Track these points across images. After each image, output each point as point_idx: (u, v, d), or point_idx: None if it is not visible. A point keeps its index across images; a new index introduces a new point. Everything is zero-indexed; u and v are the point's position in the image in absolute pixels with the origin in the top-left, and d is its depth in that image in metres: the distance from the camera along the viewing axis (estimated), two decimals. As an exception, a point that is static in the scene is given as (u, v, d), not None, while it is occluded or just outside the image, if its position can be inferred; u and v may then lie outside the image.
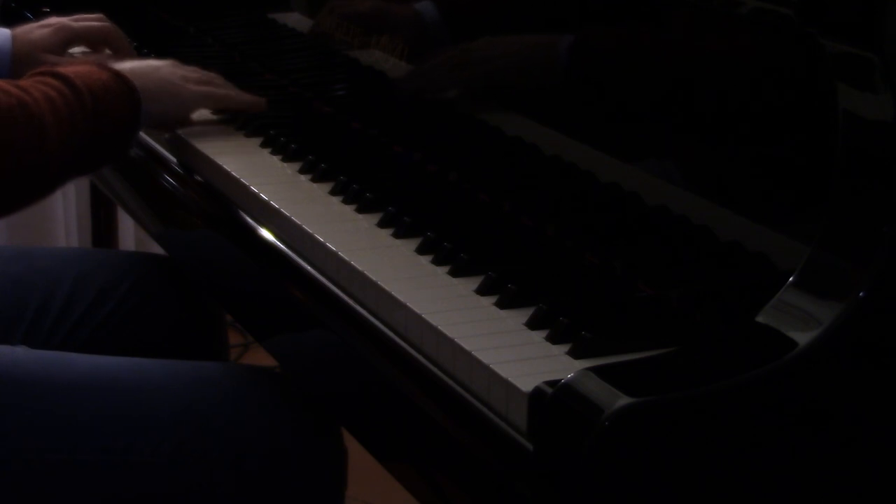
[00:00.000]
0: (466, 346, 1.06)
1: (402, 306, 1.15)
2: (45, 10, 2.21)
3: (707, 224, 1.14)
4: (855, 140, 0.98)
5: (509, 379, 1.01)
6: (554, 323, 1.08)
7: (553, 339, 1.07)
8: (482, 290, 1.17)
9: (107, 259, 1.75)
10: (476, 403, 1.04)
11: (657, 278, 1.15)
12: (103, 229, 2.59)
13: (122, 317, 1.64)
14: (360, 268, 1.22)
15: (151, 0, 2.23)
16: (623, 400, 0.90)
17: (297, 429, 1.39)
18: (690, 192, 1.17)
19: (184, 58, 1.67)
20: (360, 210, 1.38)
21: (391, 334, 1.16)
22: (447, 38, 1.54)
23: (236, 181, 1.48)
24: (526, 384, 0.99)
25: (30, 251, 1.78)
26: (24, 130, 1.36)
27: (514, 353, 1.05)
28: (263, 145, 1.60)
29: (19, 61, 1.72)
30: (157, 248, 1.79)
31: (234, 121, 1.67)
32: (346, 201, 1.40)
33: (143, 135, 1.70)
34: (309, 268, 1.30)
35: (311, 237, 1.31)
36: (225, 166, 1.51)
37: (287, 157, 1.55)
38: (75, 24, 1.78)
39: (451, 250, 1.23)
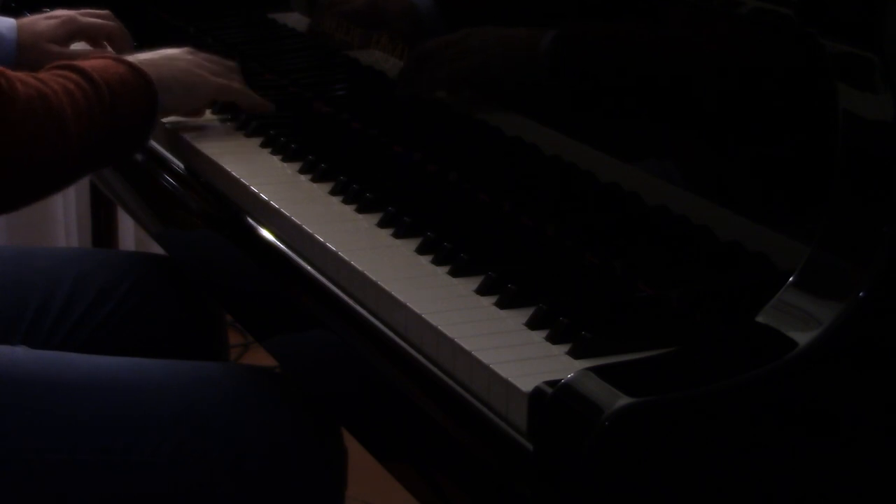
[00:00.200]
0: (466, 346, 1.06)
1: (402, 306, 1.15)
2: (44, 9, 2.21)
3: (707, 224, 1.14)
4: (855, 140, 0.98)
5: (509, 379, 1.01)
6: (554, 323, 1.08)
7: (553, 339, 1.07)
8: (482, 290, 1.17)
9: (107, 259, 1.75)
10: (476, 403, 1.04)
11: (657, 278, 1.15)
12: (103, 229, 2.59)
13: (122, 317, 1.64)
14: (360, 268, 1.22)
15: (151, 0, 2.23)
16: (623, 400, 0.90)
17: (297, 429, 1.39)
18: (690, 192, 1.17)
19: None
20: (360, 210, 1.38)
21: (391, 334, 1.16)
22: (443, 31, 1.54)
23: (236, 181, 1.48)
24: (526, 384, 0.99)
25: (30, 251, 1.78)
26: (45, 122, 1.36)
27: (514, 353, 1.05)
28: (263, 145, 1.60)
29: (25, 51, 1.73)
30: (157, 248, 1.79)
31: (234, 121, 1.67)
32: (346, 201, 1.40)
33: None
34: (309, 268, 1.30)
35: (311, 237, 1.31)
36: (225, 166, 1.51)
37: (287, 157, 1.55)
38: (82, 19, 1.79)
39: (451, 250, 1.23)
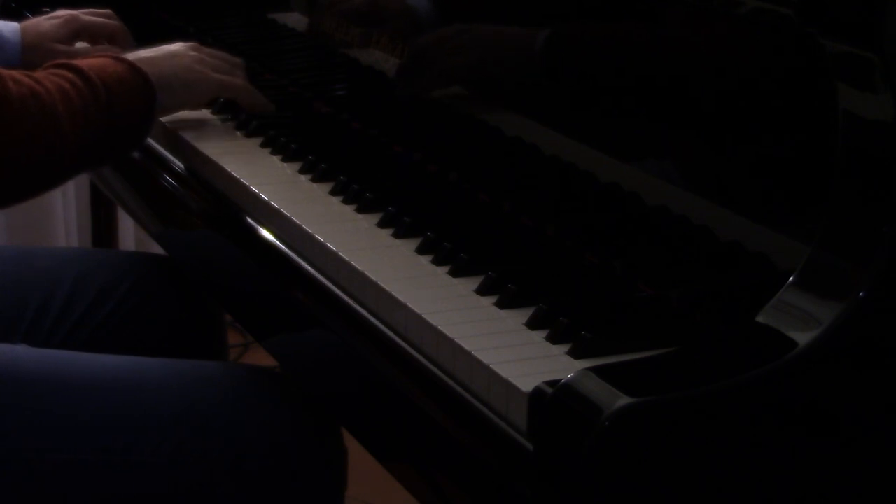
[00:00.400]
0: (466, 346, 1.06)
1: (402, 306, 1.15)
2: (45, 9, 2.21)
3: (707, 224, 1.14)
4: (855, 140, 0.98)
5: (509, 379, 1.01)
6: (554, 323, 1.08)
7: (553, 339, 1.07)
8: (482, 290, 1.17)
9: (107, 259, 1.75)
10: (476, 403, 1.04)
11: (657, 278, 1.15)
12: (103, 229, 2.59)
13: (122, 317, 1.64)
14: (360, 268, 1.22)
15: (152, 0, 2.23)
16: (623, 400, 0.90)
17: (297, 429, 1.39)
18: (690, 192, 1.17)
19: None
20: (360, 210, 1.38)
21: (391, 334, 1.16)
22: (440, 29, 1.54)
23: (236, 181, 1.48)
24: (526, 384, 0.99)
25: (30, 251, 1.78)
26: (37, 121, 1.36)
27: (514, 353, 1.05)
28: (263, 145, 1.60)
29: (29, 52, 1.73)
30: (157, 248, 1.79)
31: (234, 120, 1.67)
32: (346, 201, 1.40)
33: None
34: (309, 268, 1.30)
35: (311, 237, 1.31)
36: (225, 167, 1.51)
37: (287, 157, 1.55)
38: (84, 17, 1.80)
39: (451, 250, 1.23)
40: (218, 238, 1.51)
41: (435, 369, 1.09)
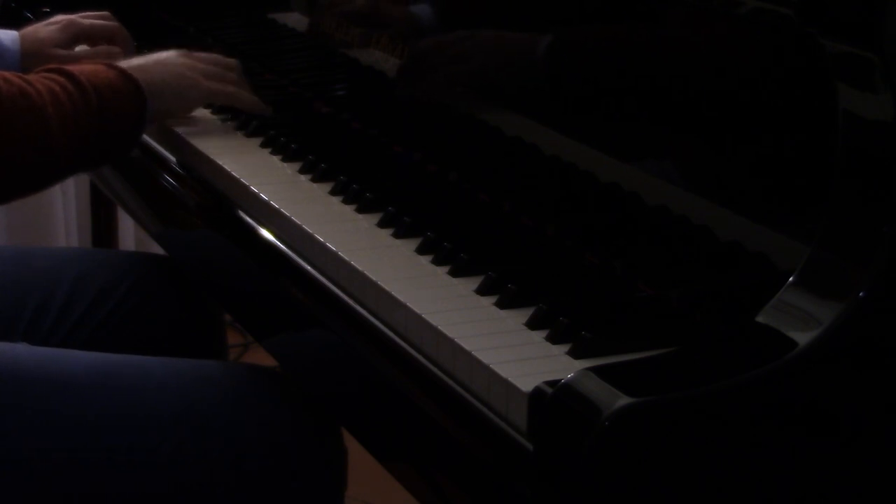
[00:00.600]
0: (466, 346, 1.06)
1: (402, 306, 1.15)
2: (45, 10, 2.21)
3: (707, 224, 1.14)
4: (855, 140, 0.98)
5: (509, 379, 1.01)
6: (554, 323, 1.08)
7: (553, 339, 1.07)
8: (482, 290, 1.17)
9: (107, 259, 1.75)
10: (476, 403, 1.04)
11: (657, 278, 1.15)
12: (103, 229, 2.59)
13: (122, 317, 1.64)
14: (360, 268, 1.22)
15: (151, 0, 2.23)
16: (623, 400, 0.90)
17: (297, 428, 1.39)
18: (690, 192, 1.17)
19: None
20: (360, 210, 1.38)
21: (391, 334, 1.16)
22: (441, 34, 1.54)
23: (236, 181, 1.48)
24: (526, 384, 0.99)
25: (29, 251, 1.78)
26: (27, 120, 1.38)
27: (514, 353, 1.05)
28: (263, 145, 1.60)
29: (29, 60, 1.73)
30: (157, 248, 1.79)
31: (234, 120, 1.67)
32: (346, 201, 1.40)
33: (143, 135, 1.70)
34: (309, 268, 1.30)
35: (311, 237, 1.31)
36: (225, 166, 1.51)
37: (287, 157, 1.55)
38: (82, 21, 1.80)
39: (451, 250, 1.23)
40: (218, 238, 1.51)
41: (435, 369, 1.09)
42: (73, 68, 1.46)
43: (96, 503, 1.35)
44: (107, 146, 1.48)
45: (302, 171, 1.50)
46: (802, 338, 0.95)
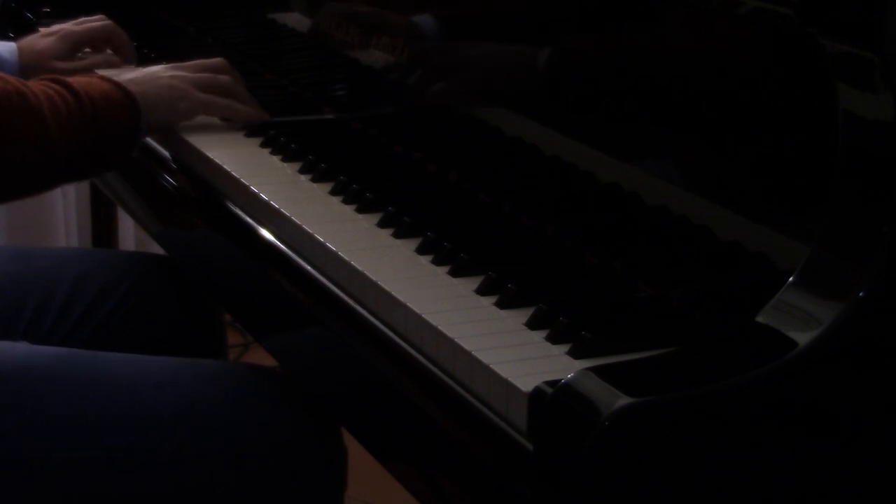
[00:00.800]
0: (466, 346, 1.06)
1: (402, 306, 1.15)
2: (45, 10, 2.21)
3: (707, 224, 1.14)
4: (855, 140, 0.98)
5: (509, 379, 1.01)
6: (554, 323, 1.08)
7: (553, 339, 1.07)
8: (482, 290, 1.17)
9: (106, 259, 1.75)
10: (476, 403, 1.04)
11: (657, 278, 1.15)
12: (103, 229, 2.59)
13: (122, 317, 1.64)
14: (360, 268, 1.22)
15: (151, 0, 2.23)
16: (623, 400, 0.90)
17: (297, 428, 1.39)
18: (690, 192, 1.17)
19: (184, 58, 1.67)
20: (360, 210, 1.38)
21: (391, 334, 1.16)
22: (442, 42, 1.55)
23: (236, 181, 1.48)
24: (526, 384, 0.99)
25: (28, 251, 1.78)
26: (24, 119, 1.39)
27: (514, 353, 1.05)
28: (263, 145, 1.60)
29: (28, 73, 1.74)
30: (157, 248, 1.79)
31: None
32: (346, 201, 1.40)
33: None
34: (309, 268, 1.30)
35: (311, 237, 1.31)
36: (225, 166, 1.51)
37: (287, 157, 1.55)
38: (78, 28, 1.80)
39: (451, 250, 1.23)
40: (218, 238, 1.51)
41: (435, 369, 1.09)
42: (68, 78, 1.49)
43: (96, 503, 1.35)
44: (103, 154, 1.49)
45: (302, 171, 1.50)
46: (802, 338, 0.95)
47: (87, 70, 1.77)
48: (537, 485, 0.94)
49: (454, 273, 1.21)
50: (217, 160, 1.53)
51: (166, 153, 1.65)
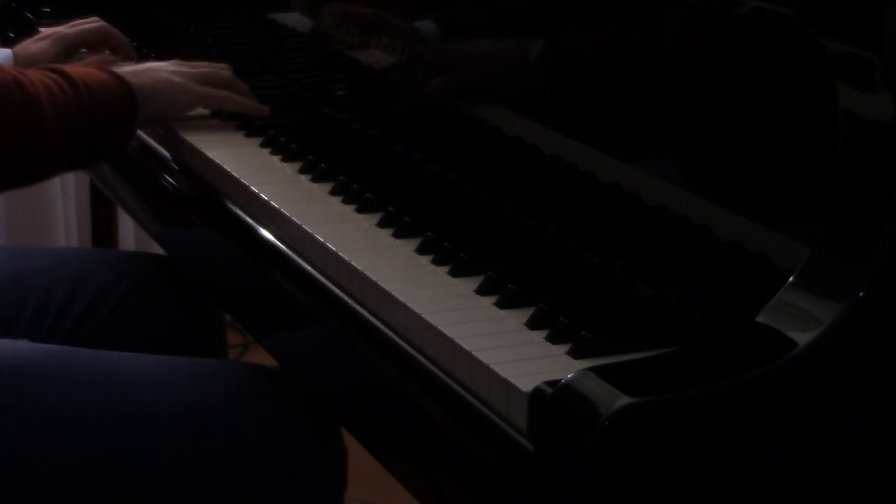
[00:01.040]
0: (466, 346, 1.06)
1: (402, 306, 1.15)
2: (45, 10, 2.21)
3: (707, 224, 1.14)
4: (855, 140, 0.98)
5: (509, 379, 1.01)
6: (554, 323, 1.08)
7: (553, 339, 1.07)
8: (482, 290, 1.17)
9: (106, 259, 1.75)
10: (476, 403, 1.04)
11: (657, 278, 1.15)
12: (103, 229, 2.59)
13: (122, 316, 1.64)
14: (360, 268, 1.22)
15: (151, 0, 2.23)
16: (623, 400, 0.90)
17: (296, 428, 1.39)
18: (690, 192, 1.17)
19: (184, 58, 1.67)
20: (360, 210, 1.38)
21: (391, 334, 1.16)
22: (441, 42, 1.55)
23: (236, 181, 1.48)
24: (526, 384, 0.99)
25: (28, 251, 1.78)
26: (21, 107, 1.40)
27: (514, 353, 1.05)
28: (263, 145, 1.60)
29: None
30: (157, 248, 1.79)
31: (235, 121, 1.67)
32: (346, 201, 1.40)
33: (142, 135, 1.70)
34: (309, 268, 1.30)
35: (311, 237, 1.31)
36: (225, 166, 1.51)
37: (287, 157, 1.55)
38: (71, 31, 1.80)
39: (451, 250, 1.23)
40: (218, 238, 1.51)
41: (435, 369, 1.09)
42: (66, 68, 1.50)
43: (96, 503, 1.35)
44: (100, 143, 1.50)
45: (302, 171, 1.50)
46: (802, 338, 0.95)
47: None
48: (537, 485, 0.94)
49: (454, 273, 1.21)
50: (217, 160, 1.53)
51: (166, 153, 1.65)
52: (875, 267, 0.95)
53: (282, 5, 1.92)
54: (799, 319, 0.97)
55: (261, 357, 2.23)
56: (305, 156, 1.52)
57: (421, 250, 1.26)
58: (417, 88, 1.56)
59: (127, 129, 1.52)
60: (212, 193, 1.53)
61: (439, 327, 1.10)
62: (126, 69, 1.57)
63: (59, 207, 3.08)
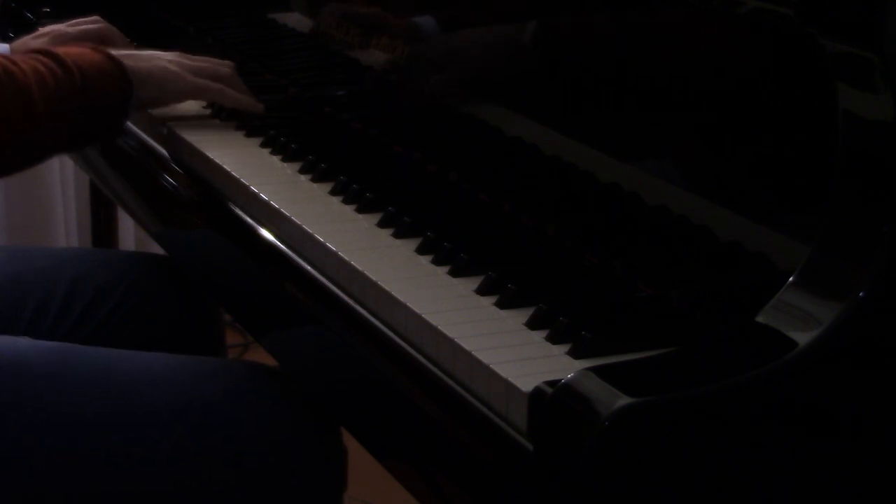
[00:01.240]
0: (466, 346, 1.06)
1: (402, 306, 1.15)
2: (45, 10, 2.21)
3: (707, 224, 1.14)
4: (855, 140, 0.98)
5: (509, 379, 1.01)
6: (554, 323, 1.08)
7: (553, 339, 1.07)
8: (482, 290, 1.17)
9: (106, 259, 1.75)
10: (476, 403, 1.04)
11: (657, 278, 1.15)
12: (103, 229, 2.59)
13: (122, 316, 1.64)
14: (360, 268, 1.22)
15: (151, 0, 2.23)
16: (623, 400, 0.90)
17: (295, 426, 1.39)
18: (690, 192, 1.17)
19: (185, 56, 1.67)
20: (360, 210, 1.38)
21: (391, 334, 1.16)
22: (441, 37, 1.55)
23: (236, 181, 1.48)
24: (526, 384, 0.99)
25: (28, 251, 1.78)
26: (12, 98, 1.41)
27: (514, 353, 1.05)
28: (263, 145, 1.60)
29: None
30: (157, 248, 1.79)
31: (235, 120, 1.67)
32: (346, 201, 1.40)
33: (142, 134, 1.70)
34: (309, 268, 1.30)
35: (311, 237, 1.31)
36: (225, 166, 1.51)
37: (287, 157, 1.55)
38: (72, 30, 1.79)
39: (451, 250, 1.23)
40: (218, 238, 1.51)
41: (435, 369, 1.09)
42: (58, 50, 1.49)
43: (95, 501, 1.35)
44: (91, 127, 1.50)
45: (302, 171, 1.50)
46: (802, 338, 0.95)
47: None
48: (537, 485, 0.94)
49: (454, 273, 1.21)
50: (217, 160, 1.53)
51: (166, 153, 1.65)
52: (875, 267, 0.95)
53: (282, 5, 1.92)
54: (799, 319, 0.97)
55: (261, 357, 2.22)
56: (305, 156, 1.52)
57: (421, 250, 1.26)
58: (417, 88, 1.56)
59: (120, 111, 1.52)
60: (212, 193, 1.53)
61: (439, 327, 1.10)
62: (123, 52, 1.57)
63: (59, 207, 3.08)
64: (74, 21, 1.82)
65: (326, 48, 1.76)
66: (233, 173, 1.49)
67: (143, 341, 1.60)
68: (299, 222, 1.34)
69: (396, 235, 1.31)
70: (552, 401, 0.94)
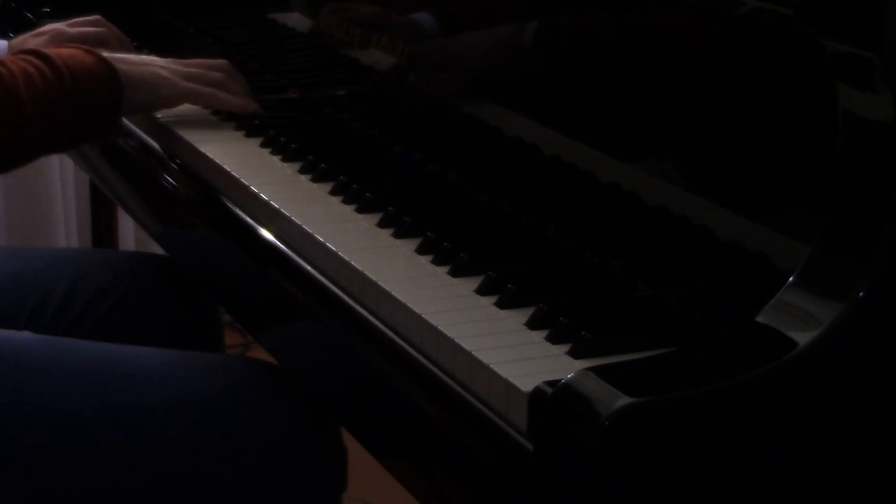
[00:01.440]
0: (466, 346, 1.06)
1: (402, 306, 1.15)
2: (45, 10, 2.21)
3: (707, 224, 1.14)
4: (855, 140, 0.98)
5: (509, 379, 1.01)
6: (554, 323, 1.08)
7: (553, 339, 1.07)
8: (482, 290, 1.17)
9: (105, 259, 1.75)
10: (476, 403, 1.04)
11: (657, 278, 1.15)
12: (103, 229, 2.59)
13: (122, 316, 1.64)
14: (360, 268, 1.22)
15: (151, 0, 2.23)
16: (623, 400, 0.90)
17: (294, 423, 1.39)
18: (690, 192, 1.17)
19: (182, 58, 1.67)
20: (360, 210, 1.38)
21: (391, 334, 1.16)
22: (441, 38, 1.55)
23: (236, 181, 1.48)
24: (526, 384, 0.99)
25: (27, 251, 1.78)
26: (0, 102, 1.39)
27: (514, 353, 1.05)
28: (263, 145, 1.60)
29: None
30: (157, 248, 1.79)
31: (235, 120, 1.67)
32: (346, 201, 1.40)
33: (142, 133, 1.70)
34: (309, 268, 1.30)
35: (311, 237, 1.31)
36: (225, 166, 1.51)
37: (287, 157, 1.55)
38: (71, 30, 1.78)
39: (451, 250, 1.23)
40: (218, 238, 1.51)
41: (435, 369, 1.09)
42: (49, 51, 1.49)
43: (93, 498, 1.35)
44: (86, 125, 1.50)
45: (302, 171, 1.50)
46: (802, 338, 0.95)
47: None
48: (537, 485, 0.94)
49: (454, 273, 1.21)
50: (217, 160, 1.53)
51: (166, 153, 1.65)
52: (875, 267, 0.95)
53: (282, 5, 1.92)
54: (799, 319, 0.97)
55: (260, 357, 2.22)
56: (305, 156, 1.52)
57: (421, 250, 1.26)
58: (417, 88, 1.56)
59: (111, 113, 1.52)
60: (212, 193, 1.53)
61: (439, 327, 1.10)
62: (115, 55, 1.56)
63: (59, 207, 3.08)
64: (75, 20, 1.81)
65: (326, 48, 1.76)
66: (233, 173, 1.49)
67: (142, 341, 1.60)
68: (299, 222, 1.34)
69: (396, 235, 1.31)
70: (552, 401, 0.94)
